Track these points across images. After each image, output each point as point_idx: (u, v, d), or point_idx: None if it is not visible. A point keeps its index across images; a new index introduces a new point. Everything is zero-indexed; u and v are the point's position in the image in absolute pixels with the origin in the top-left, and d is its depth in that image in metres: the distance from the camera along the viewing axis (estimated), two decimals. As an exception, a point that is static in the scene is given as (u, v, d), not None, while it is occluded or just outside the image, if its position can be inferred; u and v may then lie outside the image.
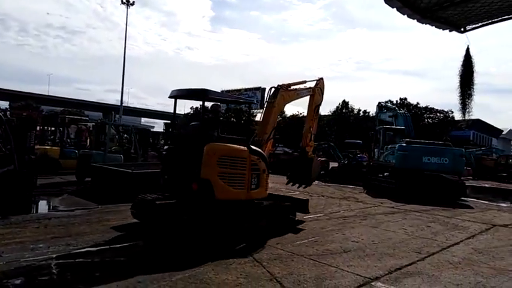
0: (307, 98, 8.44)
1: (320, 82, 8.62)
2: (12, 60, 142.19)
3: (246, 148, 6.12)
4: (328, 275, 4.54)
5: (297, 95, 8.11)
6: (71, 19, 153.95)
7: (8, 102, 52.96)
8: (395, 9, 4.62)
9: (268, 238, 6.05)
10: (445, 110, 39.67)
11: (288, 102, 8.03)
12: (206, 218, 5.66)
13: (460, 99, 12.12)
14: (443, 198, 12.44)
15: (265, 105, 7.55)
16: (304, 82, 8.32)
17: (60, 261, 4.48)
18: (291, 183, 8.74)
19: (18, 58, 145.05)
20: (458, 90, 12.00)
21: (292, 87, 7.95)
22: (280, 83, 7.69)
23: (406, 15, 4.83)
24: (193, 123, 7.19)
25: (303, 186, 8.82)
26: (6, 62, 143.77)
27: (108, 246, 5.20)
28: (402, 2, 4.54)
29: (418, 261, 5.35)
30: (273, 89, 7.59)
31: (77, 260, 4.57)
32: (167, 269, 4.40)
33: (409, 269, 4.94)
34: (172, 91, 6.49)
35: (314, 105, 8.49)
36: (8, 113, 24.44)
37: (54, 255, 4.65)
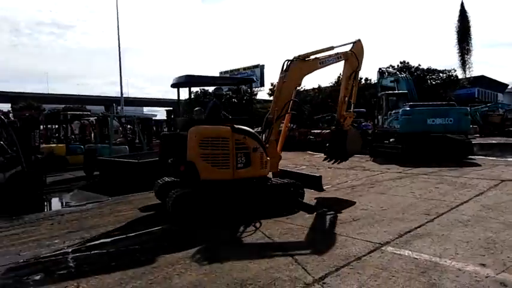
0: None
1: (357, 45, 7.84)
2: (8, 62, 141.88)
3: (229, 128, 6.12)
4: (339, 244, 4.60)
5: (319, 64, 7.40)
6: (60, 14, 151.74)
7: (9, 104, 53.17)
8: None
9: (279, 214, 6.11)
10: (448, 69, 38.96)
11: (308, 74, 7.39)
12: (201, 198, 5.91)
13: (460, 56, 11.96)
14: (451, 159, 12.42)
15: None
16: (331, 48, 7.50)
17: (77, 254, 4.59)
18: (328, 160, 8.36)
19: (13, 59, 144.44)
20: (457, 47, 11.81)
21: (311, 57, 7.31)
22: (299, 54, 7.15)
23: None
24: (196, 108, 7.30)
25: (338, 161, 8.36)
26: (2, 63, 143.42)
27: (121, 236, 5.31)
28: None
29: (427, 222, 5.39)
30: (286, 62, 7.11)
31: (92, 252, 4.68)
32: (181, 251, 4.49)
33: (419, 231, 4.99)
34: (173, 79, 6.98)
35: (349, 72, 7.85)
36: (11, 114, 24.59)
37: (70, 249, 4.77)
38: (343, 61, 7.79)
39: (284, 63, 7.12)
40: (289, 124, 7.81)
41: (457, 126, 13.45)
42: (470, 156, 13.33)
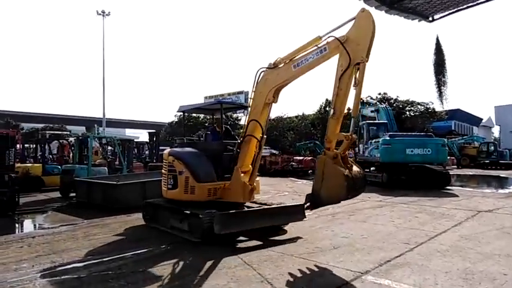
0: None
1: (358, 22, 5.08)
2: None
3: (167, 151, 7.02)
4: (319, 272, 4.54)
5: (294, 68, 5.74)
6: (46, 33, 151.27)
7: (-15, 122, 51.68)
8: (362, 1, 4.66)
9: (258, 240, 6.02)
10: (425, 102, 40.36)
11: (280, 85, 6.01)
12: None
13: (437, 88, 12.40)
14: (429, 188, 12.65)
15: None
16: (318, 40, 5.49)
17: (45, 279, 4.37)
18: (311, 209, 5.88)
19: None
20: (434, 79, 12.29)
21: (282, 63, 5.92)
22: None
23: (373, 7, 4.89)
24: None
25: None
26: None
27: (94, 261, 5.09)
28: (369, -7, 4.60)
29: (407, 252, 5.40)
30: (258, 73, 6.12)
31: (63, 277, 4.45)
32: (156, 279, 4.33)
33: (399, 261, 4.98)
34: (180, 106, 7.75)
35: (343, 67, 5.12)
36: (-14, 132, 23.86)
37: (38, 274, 4.53)
38: (336, 55, 5.31)
39: (256, 74, 6.14)
40: (255, 149, 6.38)
41: (435, 156, 13.80)
42: (448, 187, 13.61)
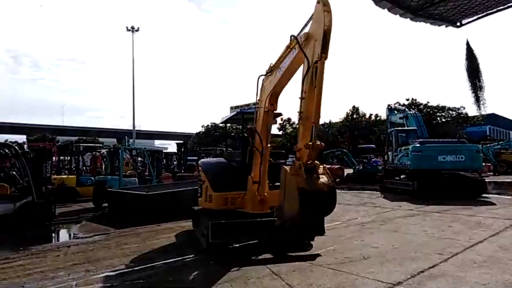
0: None
1: (315, 14, 4.66)
2: (27, 95, 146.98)
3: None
4: (349, 283, 4.45)
5: (279, 73, 5.54)
6: (79, 50, 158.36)
7: (25, 136, 54.47)
8: (386, 9, 4.60)
9: (286, 249, 5.98)
10: (457, 106, 39.11)
11: (274, 92, 5.83)
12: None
13: (473, 93, 11.98)
14: (464, 197, 12.16)
15: None
16: (294, 40, 5.00)
17: (81, 287, 4.52)
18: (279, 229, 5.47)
19: (32, 92, 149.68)
20: (468, 84, 11.89)
21: (274, 67, 5.74)
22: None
23: (398, 15, 4.81)
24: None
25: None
26: (21, 97, 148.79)
27: (126, 270, 5.23)
28: (392, 2, 4.51)
29: (441, 262, 5.21)
30: (258, 80, 6.06)
31: (96, 286, 4.60)
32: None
33: (432, 272, 4.81)
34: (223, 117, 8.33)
35: (305, 68, 4.70)
36: (25, 146, 25.13)
37: (74, 283, 4.70)
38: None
39: (257, 81, 6.09)
40: (260, 158, 6.10)
41: (469, 163, 13.28)
42: (484, 195, 13.03)
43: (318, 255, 5.75)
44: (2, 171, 9.77)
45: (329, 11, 4.38)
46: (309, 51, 4.60)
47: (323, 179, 4.59)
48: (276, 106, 6.05)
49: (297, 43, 4.75)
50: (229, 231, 5.90)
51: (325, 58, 4.40)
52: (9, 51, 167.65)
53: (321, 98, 4.49)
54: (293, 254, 5.82)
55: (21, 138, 50.77)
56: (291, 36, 5.13)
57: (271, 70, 5.91)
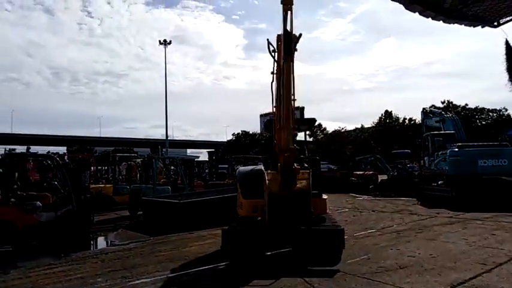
0: None
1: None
2: (67, 109, 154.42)
3: None
4: (384, 293, 4.32)
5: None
6: (115, 64, 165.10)
7: (65, 147, 57.20)
8: (417, 13, 4.48)
9: (320, 260, 5.88)
10: (498, 108, 37.20)
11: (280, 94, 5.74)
12: None
13: None
14: (507, 204, 11.49)
15: None
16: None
17: (117, 293, 4.67)
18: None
19: (72, 105, 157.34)
20: (510, 84, 11.26)
21: None
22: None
23: (430, 18, 4.66)
24: None
25: None
26: (62, 110, 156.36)
27: (161, 277, 5.33)
28: (423, 5, 4.38)
29: (483, 273, 4.94)
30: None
31: (132, 292, 4.72)
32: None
33: (474, 283, 4.57)
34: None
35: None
36: (66, 157, 26.34)
37: (111, 289, 4.85)
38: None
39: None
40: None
41: (513, 167, 12.55)
42: (530, 201, 12.25)
43: (352, 263, 5.62)
44: (44, 181, 10.29)
45: (289, 10, 4.41)
46: (279, 54, 4.64)
47: (303, 184, 4.53)
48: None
49: (268, 46, 4.79)
50: (242, 240, 5.76)
51: (290, 60, 4.40)
52: (50, 68, 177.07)
53: (290, 101, 4.45)
54: (324, 263, 5.72)
55: (62, 149, 53.35)
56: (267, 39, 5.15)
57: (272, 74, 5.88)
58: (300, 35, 4.78)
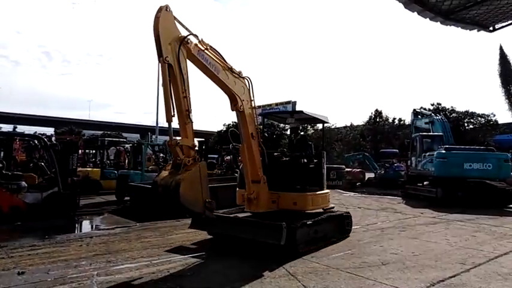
0: None
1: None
2: (56, 89, 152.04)
3: None
4: (366, 288, 4.40)
5: None
6: (107, 46, 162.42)
7: (53, 129, 56.29)
8: (415, 13, 4.51)
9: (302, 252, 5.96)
10: (486, 113, 37.70)
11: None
12: None
13: (506, 99, 11.51)
14: (489, 206, 11.76)
15: None
16: None
17: (101, 277, 4.67)
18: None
19: (61, 86, 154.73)
20: (502, 90, 11.44)
21: None
22: None
23: (427, 19, 4.69)
24: None
25: None
26: (51, 91, 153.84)
27: (145, 263, 5.34)
28: (422, 5, 4.41)
29: (462, 272, 5.07)
30: None
31: (116, 276, 4.73)
32: (202, 283, 4.45)
33: (453, 281, 4.69)
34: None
35: None
36: (53, 138, 25.99)
37: (95, 272, 4.84)
38: None
39: None
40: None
41: (497, 172, 12.80)
42: (510, 205, 12.56)
43: (335, 258, 5.71)
44: (31, 162, 10.16)
45: (157, 17, 4.84)
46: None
47: (181, 175, 4.80)
48: (232, 105, 6.28)
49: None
50: (219, 224, 6.26)
51: (162, 61, 4.81)
52: (41, 46, 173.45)
53: (166, 97, 4.88)
54: (309, 255, 5.79)
55: (50, 130, 52.48)
56: None
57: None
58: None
